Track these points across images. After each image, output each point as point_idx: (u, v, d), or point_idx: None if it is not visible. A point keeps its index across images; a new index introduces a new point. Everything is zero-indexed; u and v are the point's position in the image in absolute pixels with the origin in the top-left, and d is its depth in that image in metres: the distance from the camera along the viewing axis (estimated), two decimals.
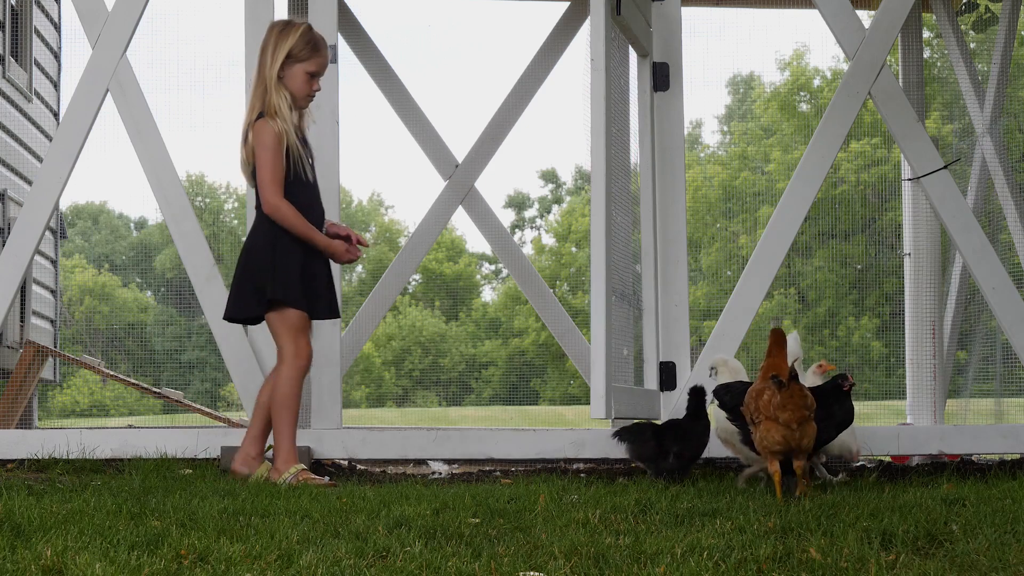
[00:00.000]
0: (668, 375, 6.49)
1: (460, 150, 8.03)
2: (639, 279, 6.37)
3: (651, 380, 6.49)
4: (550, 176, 40.79)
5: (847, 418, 5.26)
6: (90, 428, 6.34)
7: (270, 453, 6.02)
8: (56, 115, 10.92)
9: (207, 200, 35.65)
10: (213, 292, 6.26)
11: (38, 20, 10.47)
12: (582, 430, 6.53)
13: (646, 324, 6.61)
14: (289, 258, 5.44)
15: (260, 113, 5.43)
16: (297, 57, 5.46)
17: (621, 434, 5.66)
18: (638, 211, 6.50)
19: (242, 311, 5.52)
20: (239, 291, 5.49)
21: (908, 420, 8.34)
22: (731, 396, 5.40)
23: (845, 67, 7.37)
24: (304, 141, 5.55)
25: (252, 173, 5.47)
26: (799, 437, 4.86)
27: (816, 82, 29.01)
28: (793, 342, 5.75)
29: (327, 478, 5.31)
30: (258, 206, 5.48)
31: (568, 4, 8.29)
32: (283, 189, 5.41)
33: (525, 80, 7.94)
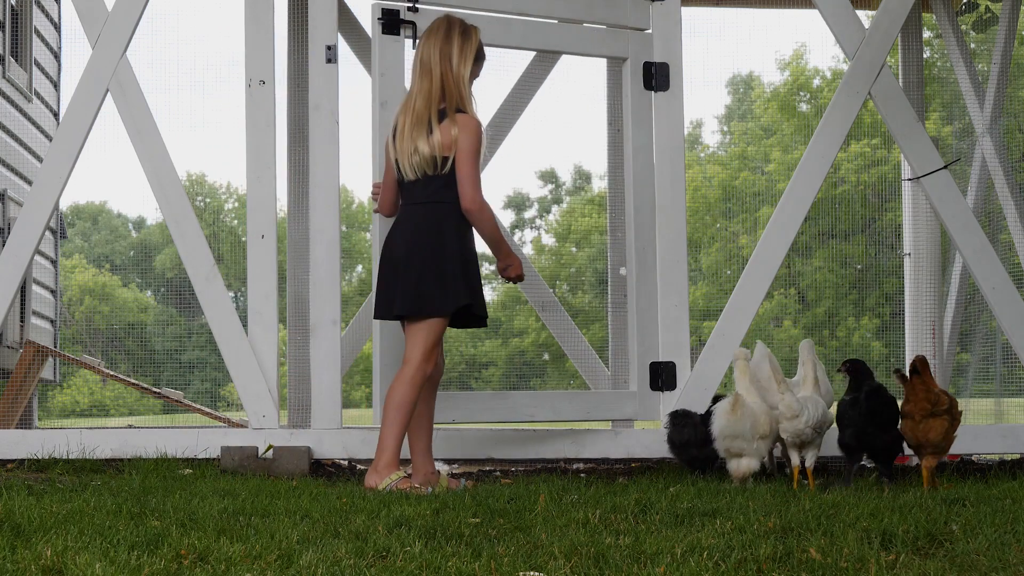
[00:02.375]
0: (668, 375, 6.49)
1: None
2: None
3: (633, 381, 6.48)
4: (549, 176, 40.78)
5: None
6: (90, 428, 6.34)
7: (269, 453, 6.02)
8: (56, 115, 10.92)
9: (207, 200, 35.65)
10: (213, 292, 6.26)
11: (38, 20, 10.47)
12: (582, 430, 6.53)
13: (629, 325, 6.61)
14: (474, 266, 5.46)
15: (452, 108, 5.39)
16: (474, 60, 5.52)
17: (671, 416, 5.92)
18: None
19: (396, 306, 5.40)
20: (422, 286, 5.37)
21: None
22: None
23: (845, 67, 7.37)
24: None
25: (434, 165, 5.39)
26: (925, 431, 5.17)
27: (816, 82, 29.00)
28: (808, 350, 5.78)
29: (429, 489, 5.19)
30: (437, 200, 5.40)
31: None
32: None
33: (525, 80, 7.93)
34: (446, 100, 5.42)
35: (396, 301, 5.41)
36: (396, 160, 5.50)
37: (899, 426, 5.47)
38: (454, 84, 5.43)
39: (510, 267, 5.66)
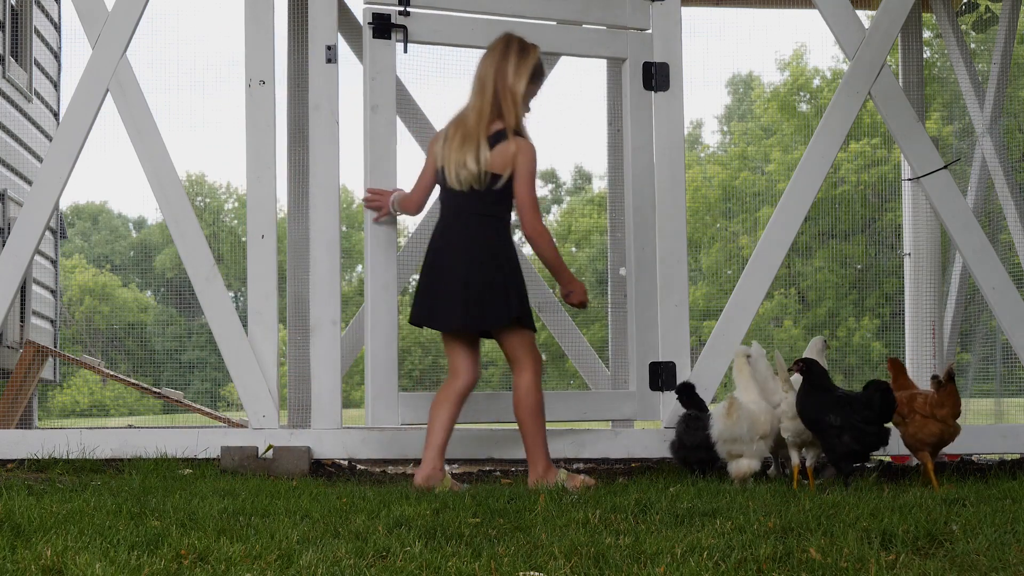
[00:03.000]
0: (668, 375, 6.49)
1: None
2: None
3: (632, 381, 6.48)
4: (550, 176, 40.79)
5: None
6: (90, 428, 6.34)
7: (269, 453, 6.02)
8: (56, 115, 10.92)
9: (207, 200, 35.64)
10: (213, 292, 6.26)
11: (38, 20, 10.47)
12: (582, 430, 6.53)
13: (628, 324, 6.61)
14: (520, 276, 5.53)
15: (503, 130, 5.44)
16: (530, 79, 5.54)
17: (683, 417, 5.92)
18: None
19: (488, 321, 5.49)
20: (484, 301, 5.45)
21: None
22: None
23: (845, 67, 7.37)
24: None
25: (479, 180, 5.44)
26: (953, 432, 5.51)
27: (816, 82, 29.00)
28: (817, 347, 5.80)
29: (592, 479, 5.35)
30: (491, 215, 5.48)
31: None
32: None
33: None
34: (503, 118, 5.46)
35: (469, 315, 5.44)
36: (441, 167, 5.54)
37: (921, 428, 5.51)
38: (510, 102, 5.47)
39: (573, 293, 5.72)
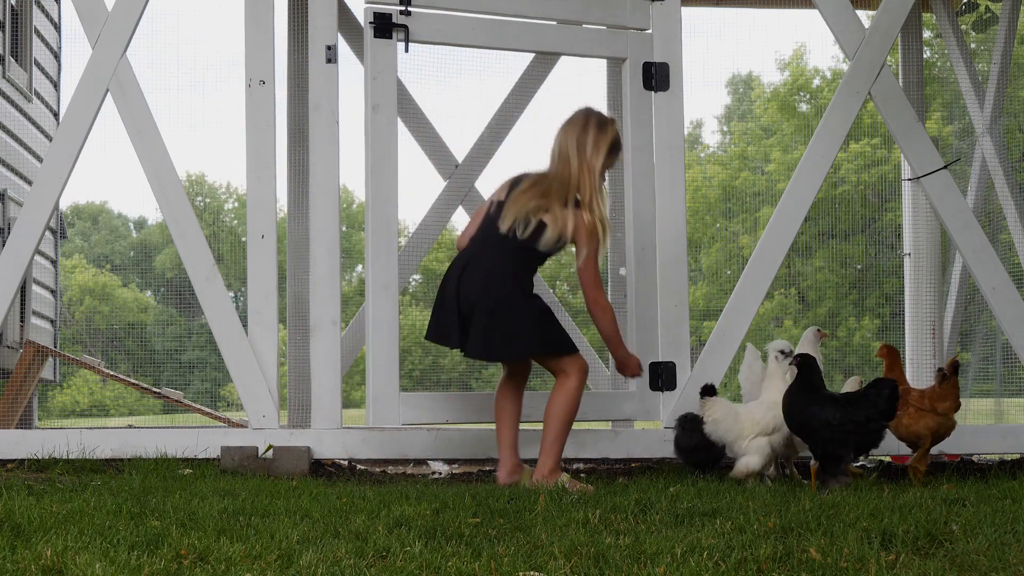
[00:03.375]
0: (668, 375, 6.49)
1: (460, 150, 8.03)
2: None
3: (632, 382, 6.48)
4: None
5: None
6: (90, 428, 6.34)
7: (269, 453, 6.02)
8: (56, 115, 10.91)
9: (207, 200, 35.63)
10: (213, 292, 6.26)
11: (38, 20, 10.47)
12: (582, 430, 6.53)
13: (628, 325, 6.61)
14: (546, 311, 5.60)
15: (585, 201, 5.52)
16: (607, 152, 5.61)
17: (680, 420, 5.93)
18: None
19: (520, 351, 5.56)
20: (545, 327, 5.54)
21: None
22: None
23: (845, 67, 7.37)
24: None
25: (525, 227, 5.49)
26: (950, 426, 5.51)
27: (816, 82, 28.99)
28: (811, 337, 5.76)
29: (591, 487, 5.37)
30: (517, 258, 5.52)
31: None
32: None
33: (525, 80, 7.94)
34: (579, 190, 5.53)
35: (497, 343, 5.48)
36: (497, 202, 5.60)
37: (916, 421, 5.50)
38: (587, 176, 5.54)
39: (627, 367, 5.80)
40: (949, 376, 5.49)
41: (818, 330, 5.78)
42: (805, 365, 5.34)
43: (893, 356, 5.72)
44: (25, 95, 10.11)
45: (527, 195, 5.53)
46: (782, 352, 5.66)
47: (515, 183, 5.63)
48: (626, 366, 5.80)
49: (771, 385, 5.61)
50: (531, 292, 5.57)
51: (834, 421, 5.20)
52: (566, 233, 5.49)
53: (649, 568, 3.29)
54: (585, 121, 5.62)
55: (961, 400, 5.62)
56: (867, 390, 5.32)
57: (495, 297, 5.46)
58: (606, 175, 5.69)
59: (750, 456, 5.53)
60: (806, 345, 5.74)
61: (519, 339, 5.48)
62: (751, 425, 5.51)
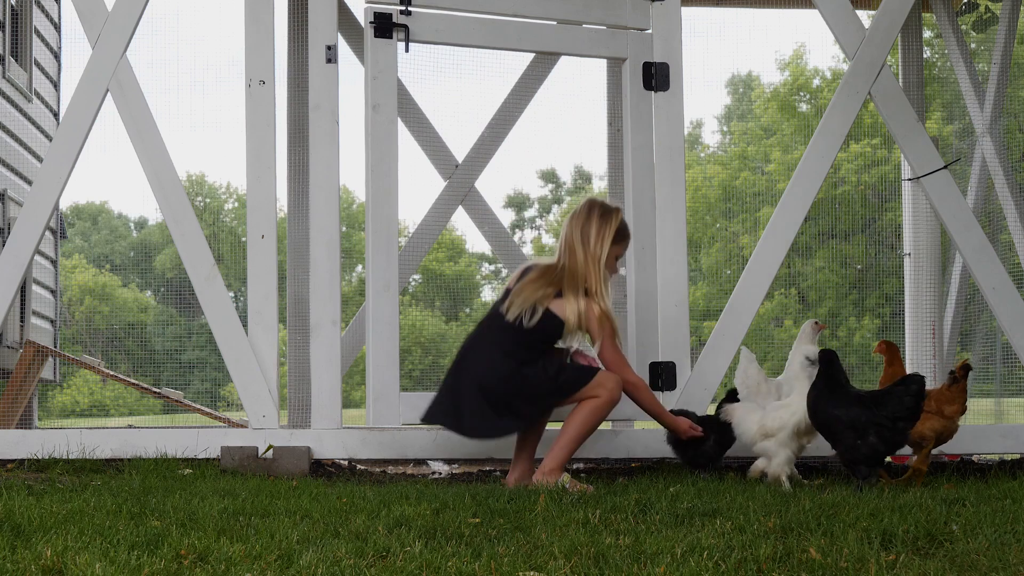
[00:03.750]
0: (668, 375, 6.49)
1: (460, 150, 8.03)
2: None
3: None
4: (550, 176, 40.78)
5: None
6: (90, 428, 6.34)
7: (269, 453, 6.02)
8: (56, 115, 10.91)
9: (207, 200, 35.63)
10: (213, 292, 6.26)
11: (38, 20, 10.47)
12: None
13: (628, 325, 6.61)
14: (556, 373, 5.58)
15: (594, 292, 5.54)
16: (614, 240, 5.62)
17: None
18: None
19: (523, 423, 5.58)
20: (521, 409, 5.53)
21: None
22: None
23: (845, 67, 7.37)
24: None
25: (537, 319, 5.49)
26: (954, 429, 5.44)
27: (816, 82, 28.99)
28: (808, 330, 5.75)
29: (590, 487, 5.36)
30: (527, 346, 5.52)
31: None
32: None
33: (525, 80, 7.94)
34: (587, 281, 5.55)
35: (505, 419, 5.49)
36: (507, 290, 5.63)
37: (923, 424, 5.46)
38: (593, 265, 5.57)
39: (680, 431, 5.76)
40: (960, 379, 5.43)
41: (816, 323, 5.76)
42: (827, 361, 5.27)
43: (893, 351, 5.69)
44: (25, 95, 10.11)
45: (534, 284, 5.56)
46: (808, 359, 5.60)
47: (525, 272, 5.66)
48: (678, 430, 5.76)
49: (799, 388, 5.57)
50: (537, 362, 5.53)
51: (860, 422, 5.09)
52: (576, 322, 5.52)
53: (649, 568, 3.29)
54: (588, 211, 5.66)
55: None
56: (894, 387, 5.18)
57: (496, 378, 5.47)
58: (619, 262, 5.73)
59: (764, 457, 5.55)
60: (804, 338, 5.73)
61: (529, 403, 5.50)
62: (779, 425, 5.51)
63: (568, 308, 5.52)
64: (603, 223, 5.62)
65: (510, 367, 5.47)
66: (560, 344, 5.61)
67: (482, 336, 5.61)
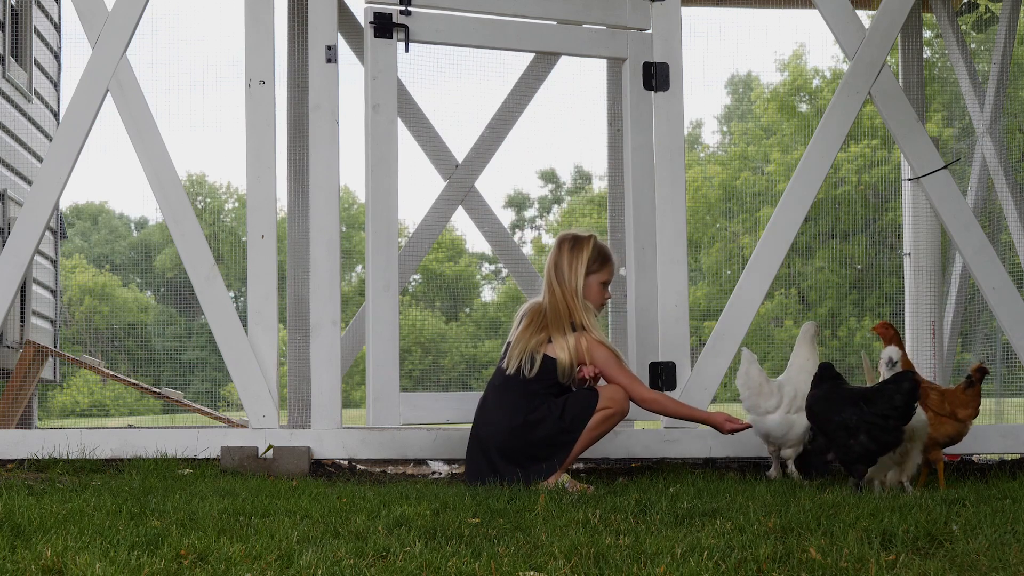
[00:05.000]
0: (668, 375, 6.49)
1: (460, 150, 8.03)
2: None
3: None
4: (550, 176, 40.77)
5: None
6: (90, 428, 6.34)
7: (269, 453, 6.02)
8: (56, 115, 10.91)
9: (207, 200, 35.63)
10: (213, 292, 6.26)
11: (38, 20, 10.47)
12: None
13: (628, 324, 6.61)
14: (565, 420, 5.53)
15: (578, 323, 5.53)
16: (590, 269, 5.61)
17: None
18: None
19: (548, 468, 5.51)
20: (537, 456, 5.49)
21: None
22: None
23: (845, 67, 7.37)
24: None
25: (536, 367, 5.47)
26: (964, 432, 5.40)
27: (816, 82, 29.00)
28: (809, 332, 5.75)
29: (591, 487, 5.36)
30: (533, 392, 5.48)
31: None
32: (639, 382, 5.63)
33: (525, 80, 7.93)
34: (571, 316, 5.55)
35: (532, 465, 5.44)
36: (508, 342, 5.63)
37: (938, 428, 5.42)
38: (571, 298, 5.57)
39: (719, 427, 5.68)
40: (976, 382, 5.37)
41: (816, 325, 5.78)
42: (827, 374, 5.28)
43: (891, 332, 5.58)
44: (25, 95, 10.11)
45: (527, 332, 5.55)
46: (891, 360, 5.44)
47: (521, 318, 5.65)
48: (716, 425, 5.65)
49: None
50: (539, 408, 5.49)
51: (852, 421, 5.03)
52: (569, 359, 5.50)
53: (649, 568, 3.29)
54: (559, 247, 5.67)
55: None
56: (885, 385, 5.09)
57: (508, 435, 5.44)
58: (607, 287, 5.68)
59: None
60: (804, 341, 5.73)
61: (548, 447, 5.45)
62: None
63: (558, 347, 5.50)
64: (573, 255, 5.61)
65: (517, 421, 5.45)
66: (563, 381, 5.56)
67: (486, 398, 5.62)
